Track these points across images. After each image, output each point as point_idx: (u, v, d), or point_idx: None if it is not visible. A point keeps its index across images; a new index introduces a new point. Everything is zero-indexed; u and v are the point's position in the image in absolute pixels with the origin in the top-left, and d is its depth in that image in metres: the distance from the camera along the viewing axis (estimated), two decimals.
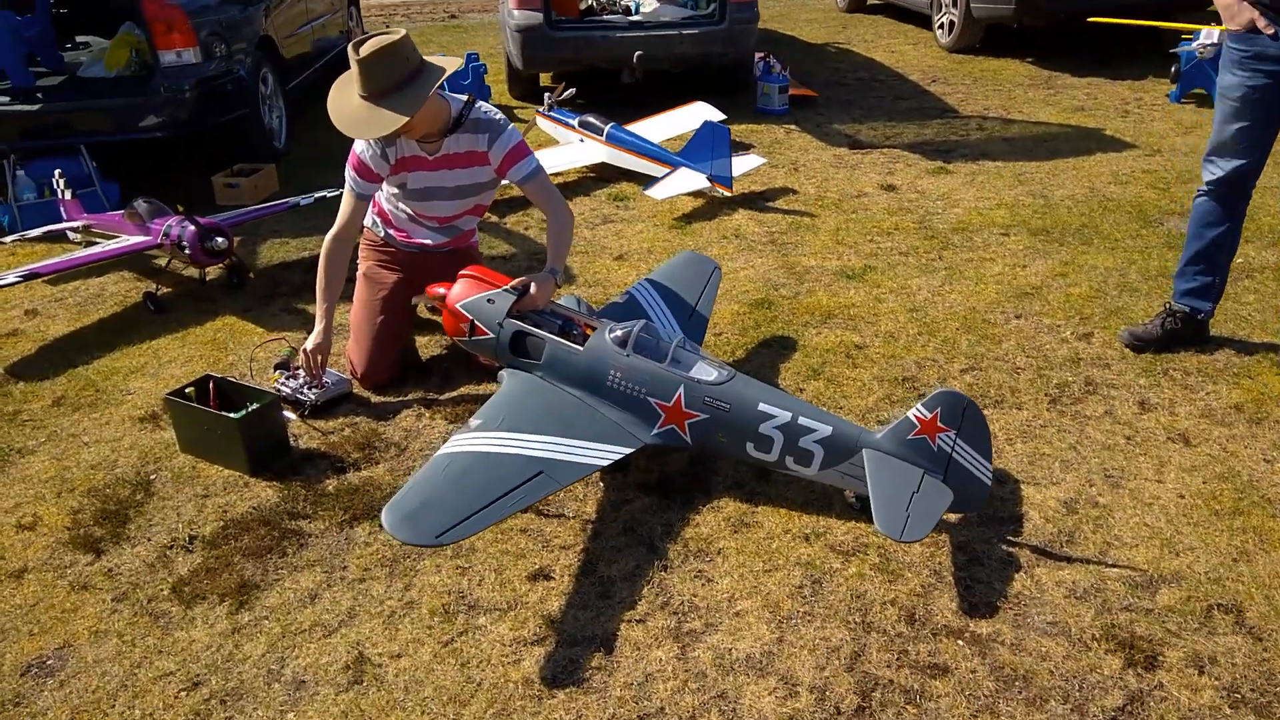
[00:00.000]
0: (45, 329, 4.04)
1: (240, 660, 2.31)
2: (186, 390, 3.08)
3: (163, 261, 4.35)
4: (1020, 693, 2.17)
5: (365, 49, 2.92)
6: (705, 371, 2.76)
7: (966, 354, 3.58)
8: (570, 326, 2.99)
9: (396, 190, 3.34)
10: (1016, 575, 2.51)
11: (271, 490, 2.91)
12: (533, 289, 3.00)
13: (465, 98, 3.25)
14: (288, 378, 3.32)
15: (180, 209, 4.06)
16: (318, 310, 3.24)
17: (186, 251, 3.98)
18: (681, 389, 2.72)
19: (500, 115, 3.30)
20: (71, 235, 4.67)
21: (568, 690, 2.20)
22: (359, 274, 3.53)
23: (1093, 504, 2.76)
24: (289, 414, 3.20)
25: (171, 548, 2.69)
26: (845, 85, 7.73)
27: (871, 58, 8.68)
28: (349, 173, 3.24)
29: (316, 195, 4.66)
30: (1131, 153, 5.82)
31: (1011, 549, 2.60)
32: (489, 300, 2.99)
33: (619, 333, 2.84)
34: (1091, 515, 2.71)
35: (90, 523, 2.80)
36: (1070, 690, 2.17)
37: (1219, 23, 6.71)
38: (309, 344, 3.22)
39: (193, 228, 3.93)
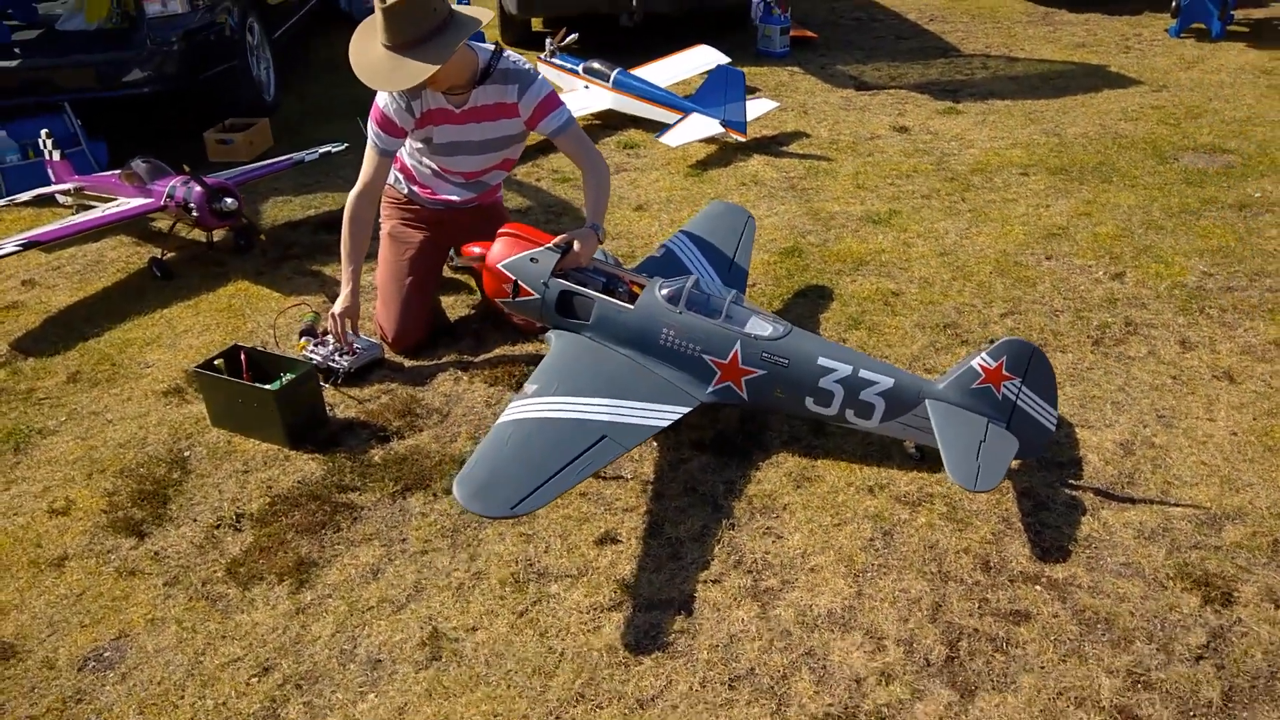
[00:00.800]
0: (47, 300, 3.86)
1: (310, 642, 2.24)
2: (215, 362, 2.95)
3: (164, 225, 4.16)
4: (1104, 635, 2.17)
5: None
6: (761, 327, 2.69)
7: (1004, 298, 3.54)
8: (616, 284, 2.89)
9: (421, 145, 3.19)
10: (1084, 518, 2.50)
11: (315, 463, 2.81)
12: (576, 246, 2.89)
13: (493, 47, 3.09)
14: (316, 344, 3.20)
15: (186, 168, 3.86)
16: (344, 273, 3.11)
17: (194, 214, 3.80)
18: (738, 345, 2.66)
19: (529, 65, 3.15)
20: (62, 199, 4.45)
21: (654, 656, 2.16)
22: (383, 234, 3.39)
23: (1149, 444, 2.76)
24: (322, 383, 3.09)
25: (219, 527, 2.59)
26: (843, 26, 7.58)
27: None
28: (371, 127, 3.09)
29: (321, 150, 4.48)
30: (1138, 89, 5.77)
31: (1075, 493, 2.59)
32: (532, 259, 2.88)
33: (669, 290, 2.75)
34: (1149, 455, 2.71)
35: (128, 504, 2.68)
36: (1154, 630, 2.18)
37: None
38: (336, 308, 3.09)
39: (199, 188, 3.75)
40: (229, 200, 3.79)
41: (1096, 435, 2.81)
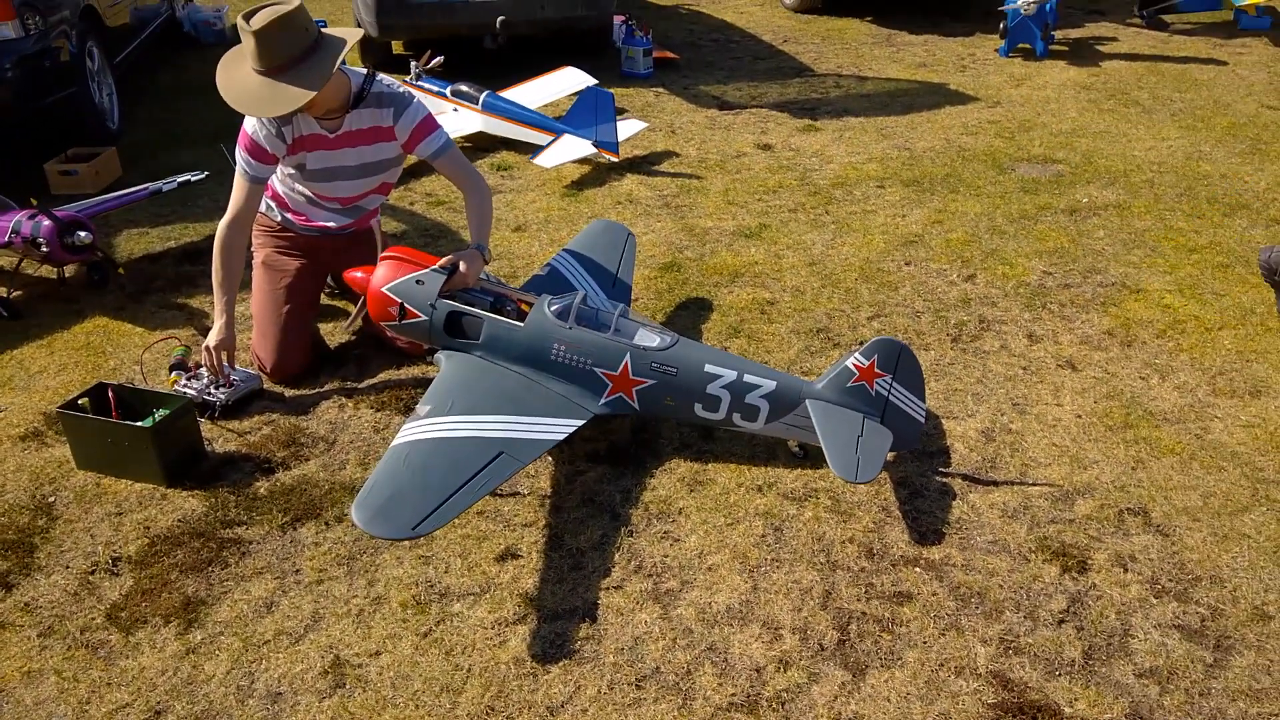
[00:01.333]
0: None
1: (204, 681, 2.16)
2: (79, 401, 2.80)
3: (9, 262, 3.90)
4: (978, 608, 2.35)
5: (258, 20, 2.71)
6: (649, 338, 2.78)
7: (869, 302, 3.77)
8: (504, 303, 2.92)
9: (294, 171, 3.13)
10: (954, 503, 2.70)
11: (196, 500, 2.71)
12: (462, 266, 2.91)
13: (365, 70, 3.08)
14: (189, 379, 3.08)
15: (34, 201, 3.64)
16: (216, 304, 3.02)
17: (43, 249, 3.58)
18: (628, 357, 2.73)
19: (404, 88, 3.15)
20: None
21: (560, 664, 2.20)
22: (256, 263, 3.30)
23: (1006, 430, 3.00)
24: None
25: (94, 573, 2.46)
26: (703, 47, 7.83)
27: (722, 19, 8.83)
28: (240, 155, 3.01)
29: (179, 180, 4.29)
30: (975, 105, 6.23)
31: (945, 479, 2.79)
32: (418, 281, 2.88)
33: (559, 306, 2.81)
34: (1007, 441, 2.95)
35: None
36: (1020, 600, 2.37)
37: None
38: (211, 340, 2.99)
39: (49, 222, 3.54)
40: (83, 234, 3.59)
41: (961, 425, 3.03)
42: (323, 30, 2.87)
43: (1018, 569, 2.46)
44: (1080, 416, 3.07)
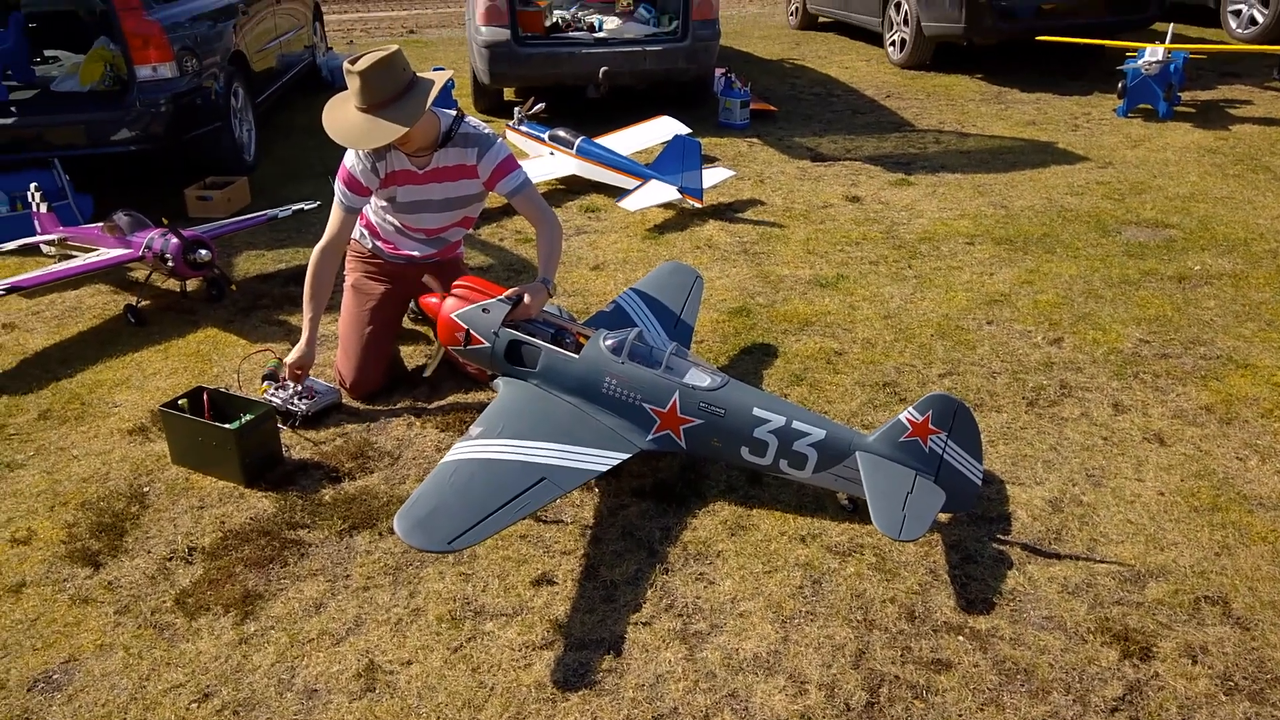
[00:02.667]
0: (24, 342, 3.98)
1: (250, 670, 2.30)
2: (179, 402, 3.06)
3: (141, 274, 4.30)
4: (1023, 685, 2.23)
5: (362, 63, 2.95)
6: (699, 378, 2.82)
7: (943, 359, 3.69)
8: (563, 335, 3.03)
9: (385, 203, 3.36)
10: (1009, 572, 2.59)
11: (268, 501, 2.90)
12: (526, 299, 3.04)
13: (454, 112, 3.29)
14: (277, 388, 3.31)
15: (165, 221, 4.02)
16: (304, 322, 3.25)
17: (169, 264, 3.94)
18: (677, 395, 2.78)
19: (489, 129, 3.35)
20: (46, 249, 4.59)
21: (580, 693, 2.23)
22: (346, 285, 3.54)
23: (1077, 502, 2.86)
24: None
25: (171, 559, 2.67)
26: (803, 100, 7.89)
27: (826, 73, 8.88)
28: (338, 186, 3.26)
29: (294, 208, 4.65)
30: (1084, 165, 6.03)
31: (1003, 547, 2.68)
32: (484, 310, 3.03)
33: (613, 340, 2.89)
34: (1076, 513, 2.81)
35: (86, 536, 2.77)
36: (1071, 682, 2.24)
37: (1162, 41, 7.01)
38: (290, 357, 3.24)
39: (176, 240, 3.90)
40: (203, 252, 3.94)
41: (1026, 492, 2.92)
42: (417, 75, 3.09)
43: (1072, 649, 2.33)
44: (1163, 494, 2.89)
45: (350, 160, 3.22)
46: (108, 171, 5.77)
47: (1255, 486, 2.91)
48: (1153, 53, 6.75)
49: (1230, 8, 9.05)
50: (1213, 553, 2.64)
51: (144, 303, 4.17)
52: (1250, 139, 6.43)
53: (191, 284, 4.26)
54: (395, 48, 3.03)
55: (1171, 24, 7.67)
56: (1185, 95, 7.18)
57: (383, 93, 2.99)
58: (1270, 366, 3.58)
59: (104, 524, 2.82)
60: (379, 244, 3.52)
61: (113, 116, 5.05)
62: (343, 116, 3.07)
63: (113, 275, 4.44)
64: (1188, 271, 4.44)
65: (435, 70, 3.24)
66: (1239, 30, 9.04)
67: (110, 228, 4.20)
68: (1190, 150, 6.23)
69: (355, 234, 3.51)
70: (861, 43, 10.31)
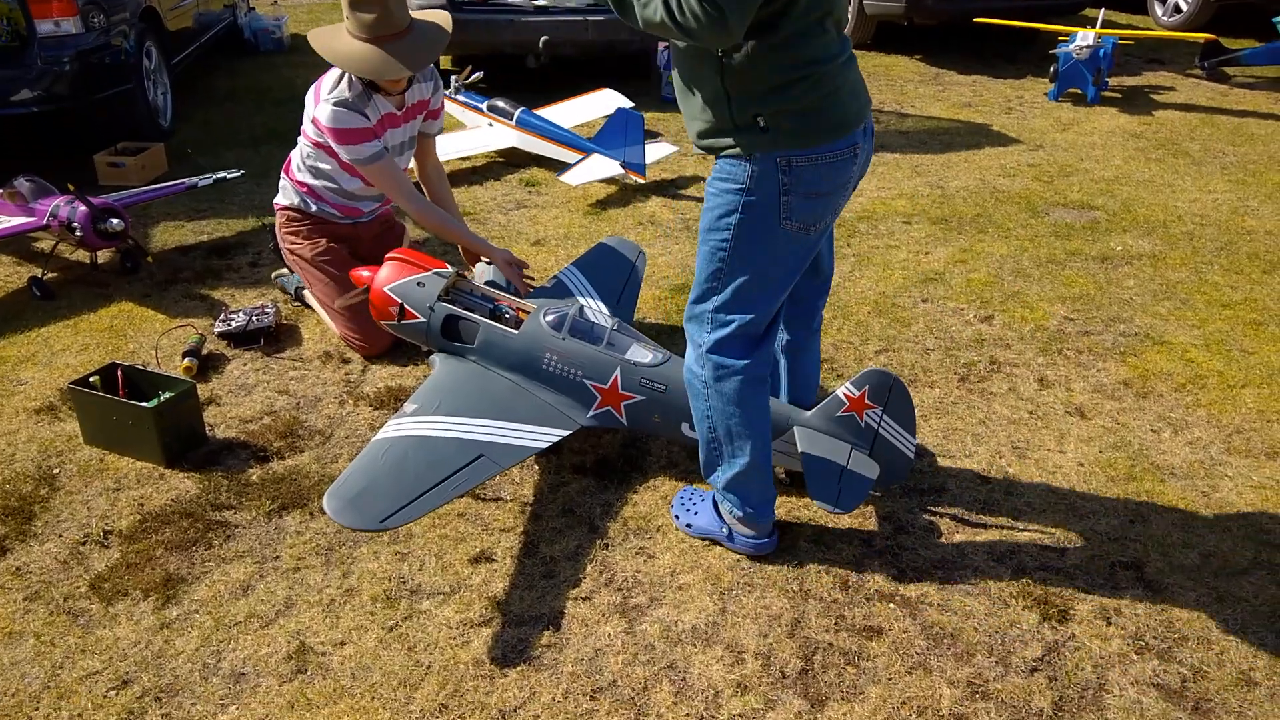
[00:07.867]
0: None
1: (172, 656, 2.21)
2: (91, 379, 2.91)
3: (47, 245, 4.07)
4: (949, 649, 2.30)
5: None
6: (641, 354, 2.79)
7: (879, 336, 3.74)
8: (502, 310, 2.97)
9: (323, 164, 3.26)
10: (939, 542, 2.65)
11: (190, 482, 2.79)
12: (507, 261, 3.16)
13: None
14: (230, 314, 3.38)
15: (72, 187, 3.80)
16: (462, 241, 3.32)
17: (78, 233, 3.73)
18: (618, 371, 2.75)
19: None
20: None
21: (519, 669, 2.21)
22: (306, 267, 3.42)
23: (1003, 474, 2.94)
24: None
25: (85, 543, 2.54)
26: None
27: None
28: (356, 149, 3.14)
29: (215, 177, 4.44)
30: (1016, 147, 6.16)
31: (933, 518, 2.74)
32: (419, 284, 2.94)
33: (553, 316, 2.84)
34: (1003, 485, 2.89)
35: None
36: (994, 644, 2.32)
37: (1094, 27, 7.19)
38: (501, 259, 3.25)
39: (84, 208, 3.69)
40: (115, 221, 3.74)
41: (956, 464, 2.98)
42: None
43: (995, 613, 2.41)
44: (1083, 465, 3.00)
45: (344, 121, 3.10)
46: (8, 136, 5.44)
47: (1168, 457, 3.03)
48: (1084, 37, 6.91)
49: None
50: (1127, 520, 2.75)
51: (50, 275, 3.95)
52: (1172, 124, 6.65)
53: (103, 255, 4.05)
54: None
55: (1103, 9, 7.87)
56: (1112, 81, 7.37)
57: (400, 21, 3.00)
58: (1184, 343, 3.71)
59: (9, 507, 2.66)
60: (325, 206, 3.41)
61: (11, 75, 4.72)
62: (346, 46, 3.01)
63: (14, 245, 4.19)
64: (1110, 252, 4.57)
65: None
66: (1165, 18, 9.35)
67: (10, 194, 3.95)
68: (1116, 134, 6.42)
69: (295, 202, 3.38)
70: None
